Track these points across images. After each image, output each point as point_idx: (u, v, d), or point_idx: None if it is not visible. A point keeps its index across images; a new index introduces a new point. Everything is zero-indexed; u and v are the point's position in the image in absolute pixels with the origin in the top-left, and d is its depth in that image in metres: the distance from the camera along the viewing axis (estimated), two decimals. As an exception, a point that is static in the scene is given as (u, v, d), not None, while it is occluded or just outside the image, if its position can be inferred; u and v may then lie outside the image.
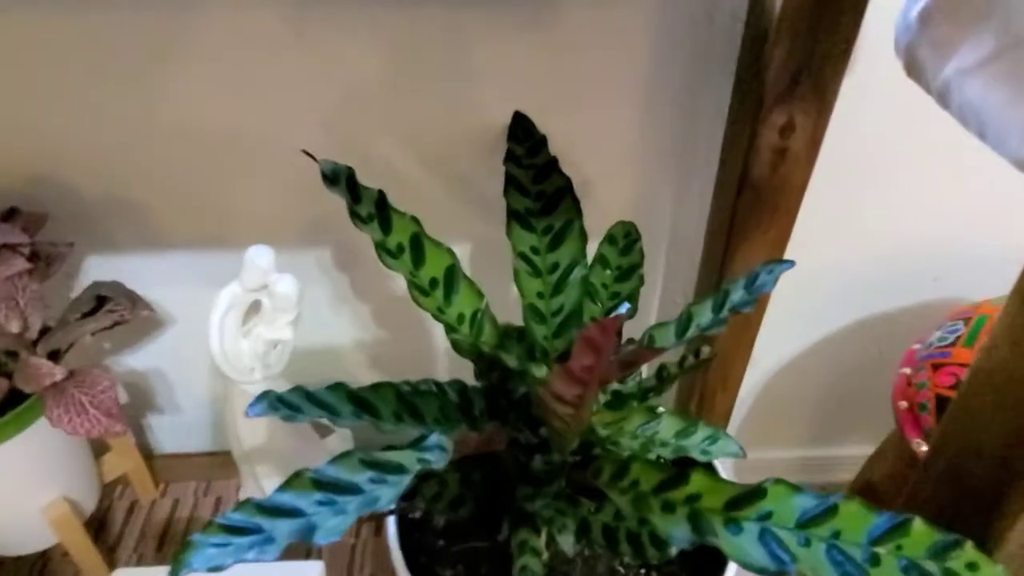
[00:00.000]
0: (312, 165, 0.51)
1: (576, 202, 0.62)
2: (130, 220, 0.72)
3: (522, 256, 0.60)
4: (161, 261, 0.76)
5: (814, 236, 0.78)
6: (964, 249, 0.82)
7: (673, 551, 0.49)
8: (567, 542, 0.48)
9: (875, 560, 0.35)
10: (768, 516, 0.39)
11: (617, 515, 0.52)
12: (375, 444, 0.79)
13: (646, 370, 0.75)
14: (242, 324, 0.65)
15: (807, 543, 0.37)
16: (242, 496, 0.80)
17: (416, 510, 0.55)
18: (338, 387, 0.48)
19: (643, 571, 0.55)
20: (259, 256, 0.60)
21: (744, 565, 0.37)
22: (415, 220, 0.55)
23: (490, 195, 0.72)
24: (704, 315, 0.49)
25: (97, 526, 0.77)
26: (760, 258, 0.66)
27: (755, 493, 0.40)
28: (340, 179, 0.52)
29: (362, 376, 0.87)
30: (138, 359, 0.84)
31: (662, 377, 0.57)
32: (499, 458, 0.54)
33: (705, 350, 0.58)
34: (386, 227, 0.54)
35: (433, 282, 0.55)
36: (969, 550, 0.34)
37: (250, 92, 0.65)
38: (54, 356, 0.56)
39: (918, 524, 0.36)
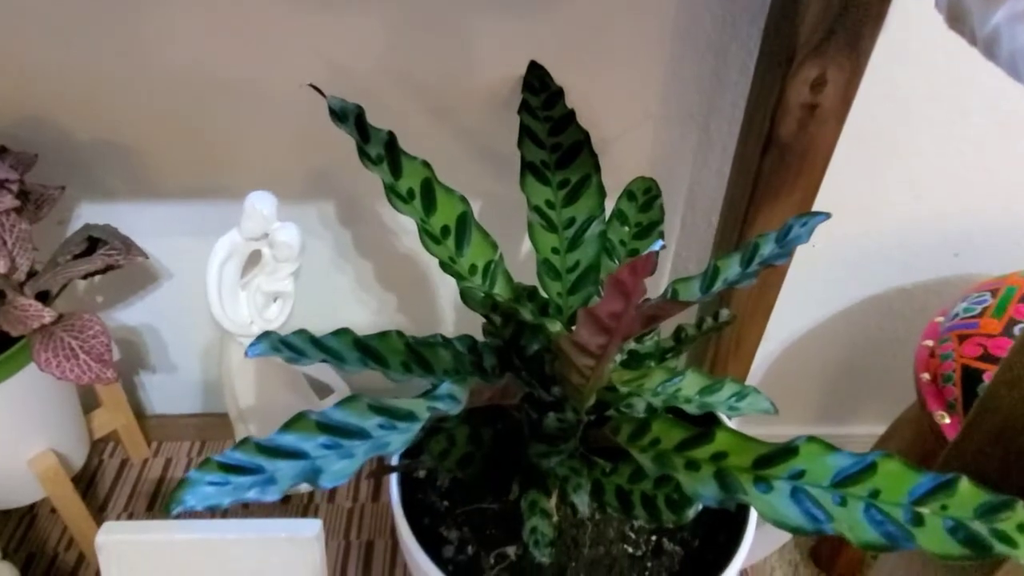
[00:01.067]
0: (317, 113, 0.48)
1: (594, 156, 0.59)
2: (124, 166, 0.69)
3: (536, 210, 0.58)
4: (156, 211, 0.72)
5: (831, 205, 0.76)
6: (987, 224, 0.79)
7: (690, 514, 0.47)
8: (582, 502, 0.45)
9: (918, 520, 0.33)
10: (800, 475, 0.37)
11: (631, 478, 0.50)
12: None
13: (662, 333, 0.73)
14: (241, 276, 0.62)
15: (843, 502, 0.35)
16: (236, 457, 0.78)
17: (421, 468, 0.53)
18: (343, 333, 0.45)
19: (654, 538, 0.53)
20: (260, 202, 0.57)
21: (777, 523, 0.35)
22: (426, 165, 0.52)
23: (502, 151, 0.69)
24: (732, 269, 0.47)
25: (86, 484, 0.75)
26: (782, 221, 0.64)
27: (786, 451, 0.38)
28: (348, 117, 0.49)
29: (363, 339, 0.85)
30: (130, 314, 0.81)
31: (680, 339, 0.55)
32: (510, 416, 0.51)
33: (724, 313, 0.56)
34: (396, 170, 0.51)
35: (445, 230, 0.52)
36: (1021, 511, 0.32)
37: (253, 35, 0.62)
38: (42, 299, 0.54)
39: (965, 484, 0.33)
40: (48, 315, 0.49)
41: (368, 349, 0.45)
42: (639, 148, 0.71)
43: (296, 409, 0.71)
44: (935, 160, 0.73)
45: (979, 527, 0.32)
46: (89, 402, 0.71)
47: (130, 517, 0.73)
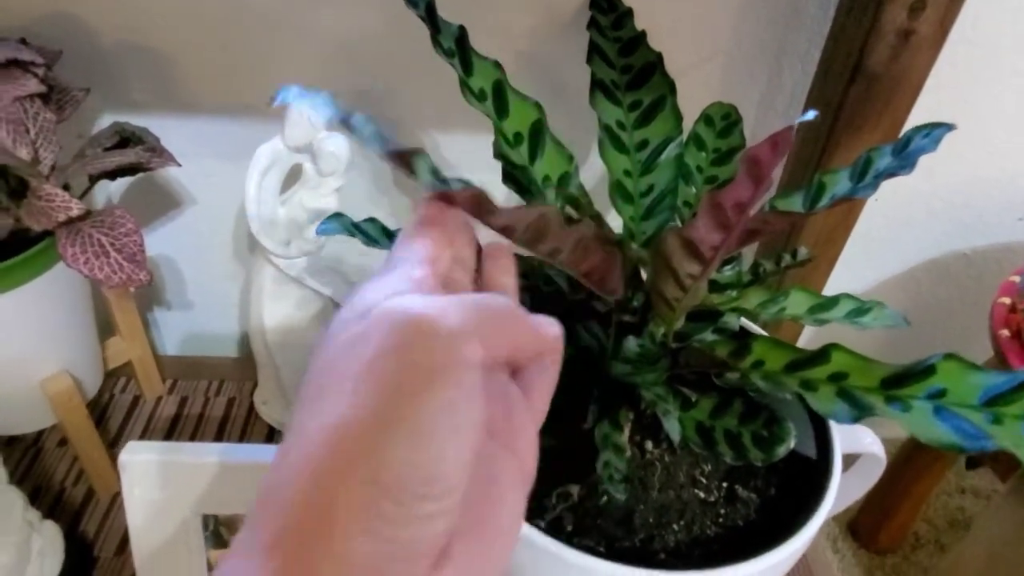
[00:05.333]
0: (361, 27, 0.43)
1: (668, 78, 0.55)
2: (150, 74, 0.64)
3: (607, 129, 0.53)
4: (182, 128, 0.67)
5: (921, 181, 0.72)
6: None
7: (780, 452, 0.43)
8: (673, 428, 0.41)
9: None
10: (941, 394, 0.33)
11: (713, 413, 0.46)
12: None
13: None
14: (280, 192, 0.58)
15: (998, 420, 0.31)
16: (257, 399, 0.73)
17: None
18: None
19: (726, 484, 0.49)
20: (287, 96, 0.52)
21: (928, 442, 0.30)
22: (497, 66, 0.48)
23: (566, 75, 0.65)
24: (841, 184, 0.42)
25: (96, 419, 0.70)
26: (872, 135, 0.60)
27: (920, 371, 0.34)
28: (420, 3, 0.45)
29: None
30: (149, 242, 0.76)
31: (758, 274, 0.50)
32: (579, 341, 0.47)
33: (803, 251, 0.51)
34: (467, 67, 0.46)
35: (517, 137, 0.48)
36: None
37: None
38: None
39: None
40: (76, 207, 0.44)
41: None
42: (706, 85, 0.67)
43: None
44: (1015, 116, 0.69)
45: None
46: (103, 331, 0.66)
47: (142, 455, 0.68)
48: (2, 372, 0.54)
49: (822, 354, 0.37)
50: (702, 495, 0.48)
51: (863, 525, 0.85)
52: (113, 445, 0.68)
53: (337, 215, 0.36)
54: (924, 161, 0.74)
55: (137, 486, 0.47)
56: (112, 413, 0.71)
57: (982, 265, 0.81)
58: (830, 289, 0.82)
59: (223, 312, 0.82)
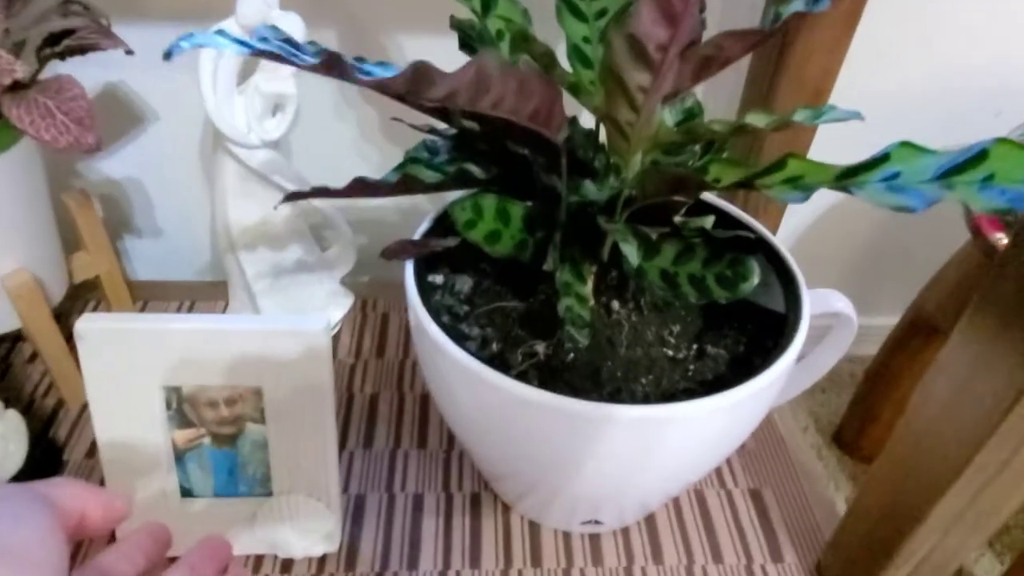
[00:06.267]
0: None
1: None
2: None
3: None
4: (140, 37, 0.66)
5: (868, 55, 0.71)
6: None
7: (745, 288, 0.42)
8: (631, 252, 0.40)
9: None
10: (894, 176, 0.32)
11: (677, 259, 0.45)
12: (376, 260, 0.69)
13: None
14: (236, 84, 0.57)
15: (949, 187, 0.30)
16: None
17: (439, 247, 0.48)
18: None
19: (695, 346, 0.48)
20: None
21: (879, 206, 0.30)
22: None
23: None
24: (795, 3, 0.42)
25: (64, 337, 0.69)
26: (830, 33, 0.59)
27: (874, 161, 0.33)
28: None
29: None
30: (114, 165, 0.75)
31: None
32: (540, 196, 0.46)
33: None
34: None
35: (469, -8, 0.47)
36: None
37: None
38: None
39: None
40: (20, 68, 0.43)
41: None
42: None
43: (294, 252, 0.66)
44: (980, 11, 0.69)
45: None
46: (69, 243, 0.65)
47: (113, 370, 0.67)
48: (-41, 263, 0.54)
49: (779, 164, 0.36)
50: (670, 353, 0.48)
51: (846, 433, 0.85)
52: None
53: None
54: (890, 62, 0.74)
55: (94, 357, 0.46)
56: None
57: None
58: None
59: (193, 236, 0.81)
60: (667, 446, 0.43)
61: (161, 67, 0.68)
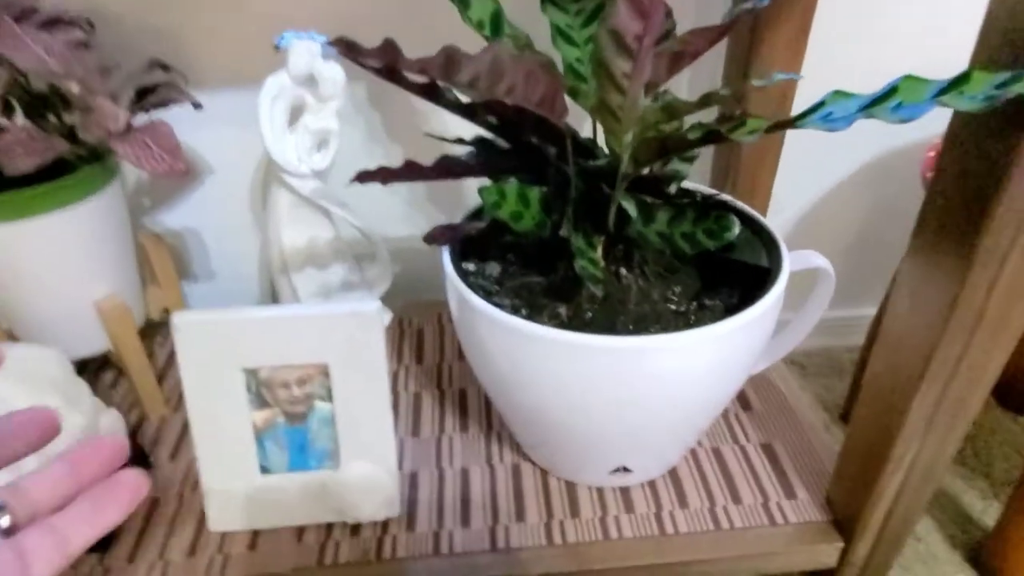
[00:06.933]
0: None
1: (607, -11, 0.65)
2: (167, 55, 0.75)
3: (557, 29, 0.63)
4: (201, 96, 0.78)
5: (822, 65, 0.82)
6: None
7: (728, 236, 0.51)
8: (631, 206, 0.49)
9: (942, 103, 0.37)
10: (827, 116, 0.41)
11: (670, 223, 0.54)
12: (414, 278, 0.79)
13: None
14: (288, 124, 0.67)
15: (943, 103, 0.38)
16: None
17: (474, 229, 0.57)
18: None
19: (695, 303, 0.56)
20: (306, 39, 0.62)
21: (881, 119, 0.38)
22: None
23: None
24: None
25: (139, 368, 0.78)
26: (788, 40, 0.69)
27: (808, 111, 0.42)
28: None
29: (396, 226, 0.89)
30: (174, 216, 0.85)
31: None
32: (554, 182, 0.55)
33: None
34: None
35: (480, 24, 0.57)
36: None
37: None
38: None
39: (977, 73, 0.38)
40: (123, 115, 0.54)
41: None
42: None
43: (337, 271, 0.75)
44: (923, 17, 0.79)
45: (994, 92, 0.36)
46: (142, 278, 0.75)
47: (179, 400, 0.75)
48: (61, 291, 0.63)
49: (740, 122, 0.45)
50: (674, 307, 0.56)
51: (851, 409, 0.91)
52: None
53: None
54: (845, 67, 0.83)
55: (188, 345, 0.54)
56: (152, 363, 0.79)
57: (919, 155, 0.89)
58: (787, 192, 0.91)
59: (242, 277, 0.91)
60: (675, 372, 0.50)
61: (213, 125, 0.80)
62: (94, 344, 0.67)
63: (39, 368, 0.56)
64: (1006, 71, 0.37)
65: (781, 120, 0.43)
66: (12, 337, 0.65)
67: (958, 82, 0.38)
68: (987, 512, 0.78)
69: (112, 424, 0.60)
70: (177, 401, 0.73)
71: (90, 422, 0.57)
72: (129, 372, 0.68)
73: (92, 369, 0.77)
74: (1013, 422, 0.90)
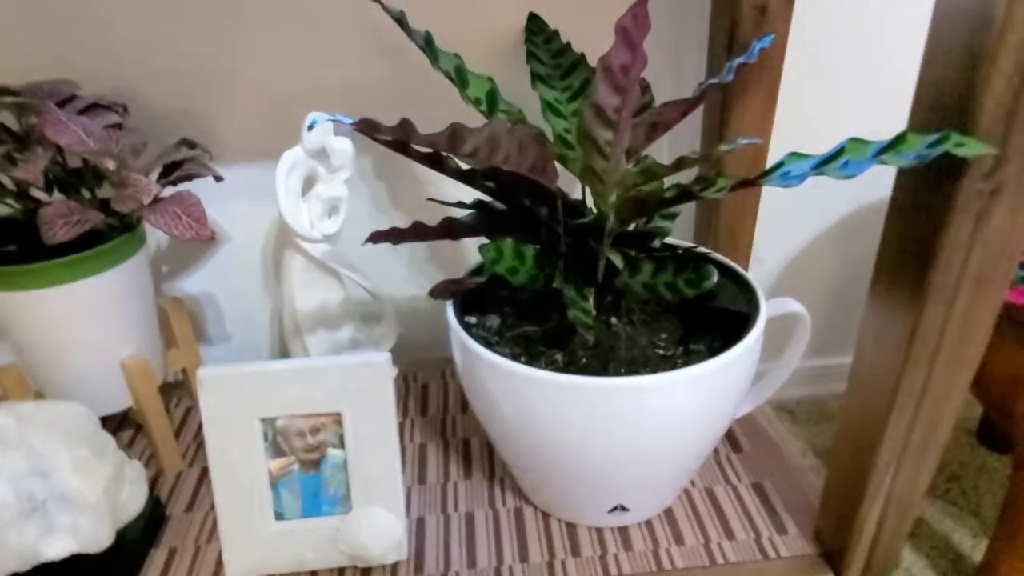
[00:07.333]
0: (364, 63, 0.61)
1: (590, 67, 0.72)
2: (193, 134, 0.81)
3: (547, 103, 0.70)
4: (222, 170, 0.84)
5: (799, 128, 0.88)
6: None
7: (706, 285, 0.56)
8: (617, 261, 0.54)
9: (881, 161, 0.43)
10: (846, 164, 0.46)
11: (654, 274, 0.59)
12: (417, 337, 0.85)
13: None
14: (301, 193, 0.73)
15: (883, 161, 0.43)
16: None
17: (475, 283, 0.61)
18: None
19: (681, 348, 0.61)
20: (320, 117, 0.69)
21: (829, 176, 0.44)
22: (457, 56, 0.65)
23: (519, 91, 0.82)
24: (723, 74, 0.58)
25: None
26: (757, 109, 0.76)
27: (832, 155, 0.48)
28: (404, 22, 0.62)
29: (400, 288, 0.94)
30: (192, 283, 0.91)
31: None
32: (546, 241, 0.61)
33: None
34: (434, 57, 0.63)
35: (477, 101, 0.64)
36: (953, 137, 0.42)
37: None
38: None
39: (911, 135, 0.43)
40: (155, 188, 0.59)
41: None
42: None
43: (347, 330, 0.79)
44: (891, 75, 0.87)
45: (925, 151, 0.42)
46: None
47: (199, 448, 0.79)
48: (89, 351, 0.67)
49: (711, 182, 0.51)
50: (661, 352, 0.60)
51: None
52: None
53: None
54: (823, 128, 0.90)
55: (211, 397, 0.59)
56: (170, 419, 0.82)
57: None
58: (768, 245, 0.96)
59: (254, 340, 0.95)
60: (665, 411, 0.54)
61: (230, 199, 0.85)
62: (116, 402, 0.71)
63: (71, 422, 0.60)
64: (935, 133, 0.43)
65: (745, 179, 0.48)
66: (40, 396, 0.69)
67: (895, 143, 0.43)
68: (977, 548, 0.80)
69: (136, 474, 0.63)
70: (193, 456, 0.77)
71: (116, 472, 0.60)
72: (149, 428, 0.72)
73: (111, 428, 0.81)
74: (997, 461, 0.93)
